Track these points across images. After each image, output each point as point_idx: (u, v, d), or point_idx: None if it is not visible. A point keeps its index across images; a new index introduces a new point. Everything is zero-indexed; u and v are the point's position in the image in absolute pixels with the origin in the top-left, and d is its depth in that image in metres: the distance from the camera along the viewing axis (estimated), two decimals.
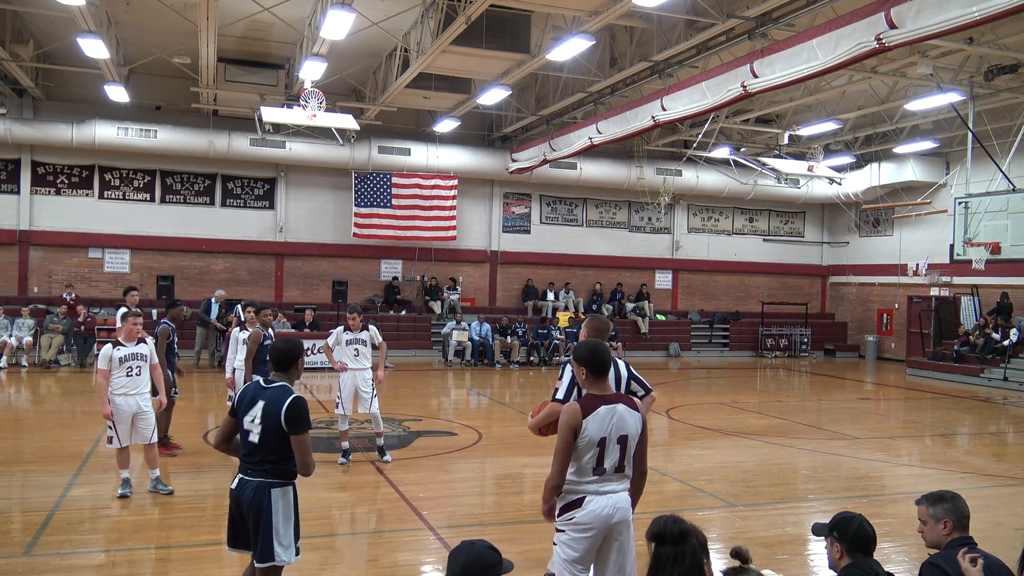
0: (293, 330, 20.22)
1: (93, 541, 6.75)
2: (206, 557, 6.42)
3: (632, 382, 5.52)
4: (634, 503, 4.37)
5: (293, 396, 4.46)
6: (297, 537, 4.59)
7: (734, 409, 15.22)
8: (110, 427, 7.96)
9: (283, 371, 4.62)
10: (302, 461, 4.45)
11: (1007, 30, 14.11)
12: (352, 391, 9.61)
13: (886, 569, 3.76)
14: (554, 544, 4.31)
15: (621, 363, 5.53)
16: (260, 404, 4.49)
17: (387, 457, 9.68)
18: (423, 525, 7.43)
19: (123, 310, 11.08)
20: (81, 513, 7.45)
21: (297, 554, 4.59)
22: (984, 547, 3.83)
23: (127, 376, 7.92)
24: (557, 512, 4.29)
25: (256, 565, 4.52)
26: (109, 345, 7.97)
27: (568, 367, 5.36)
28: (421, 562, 6.69)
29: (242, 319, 14.18)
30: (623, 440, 4.19)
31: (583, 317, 24.31)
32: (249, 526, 4.47)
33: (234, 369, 10.39)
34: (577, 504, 4.19)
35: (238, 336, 10.35)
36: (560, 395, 5.31)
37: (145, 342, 8.17)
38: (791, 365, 24.72)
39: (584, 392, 4.32)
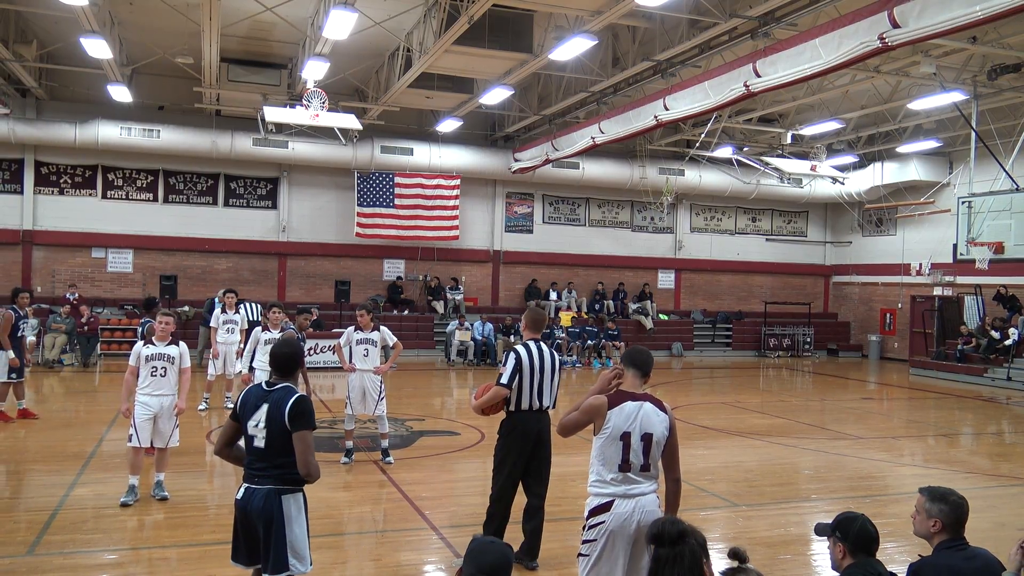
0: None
1: (96, 540, 6.76)
2: (209, 556, 6.42)
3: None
4: (673, 512, 4.32)
5: (298, 395, 4.38)
6: (309, 546, 4.46)
7: (737, 409, 15.21)
8: (132, 425, 7.79)
9: (288, 374, 4.53)
10: (303, 460, 4.24)
11: (1010, 29, 14.08)
12: (361, 392, 9.55)
13: (889, 569, 3.75)
14: (579, 555, 4.28)
15: (556, 354, 6.34)
16: (264, 408, 4.36)
17: (390, 459, 9.66)
18: (426, 525, 7.44)
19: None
20: (84, 512, 7.46)
21: (311, 564, 4.46)
22: (986, 547, 3.82)
23: (151, 376, 7.79)
24: (585, 515, 4.30)
25: None
26: (140, 342, 7.96)
27: (512, 354, 6.13)
28: (424, 561, 6.69)
29: (254, 319, 14.29)
30: (647, 438, 4.22)
31: (586, 317, 24.40)
32: (260, 537, 4.31)
33: (251, 368, 10.38)
34: (605, 508, 4.20)
35: (259, 336, 10.33)
36: (504, 380, 6.04)
37: (177, 344, 8.03)
38: (794, 365, 24.70)
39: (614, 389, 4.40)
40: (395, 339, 9.83)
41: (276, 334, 9.69)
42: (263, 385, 4.52)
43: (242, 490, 4.40)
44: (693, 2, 13.01)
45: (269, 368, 4.65)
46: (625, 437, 4.18)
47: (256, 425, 4.37)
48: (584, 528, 4.27)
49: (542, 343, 6.26)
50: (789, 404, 16.53)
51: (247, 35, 16.96)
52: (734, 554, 3.30)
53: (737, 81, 13.50)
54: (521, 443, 6.20)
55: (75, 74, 19.54)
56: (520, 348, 6.16)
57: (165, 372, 7.86)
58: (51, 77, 20.16)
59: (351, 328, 9.79)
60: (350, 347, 9.68)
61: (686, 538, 3.13)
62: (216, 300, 19.49)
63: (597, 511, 4.21)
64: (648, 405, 4.26)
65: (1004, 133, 19.13)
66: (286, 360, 4.52)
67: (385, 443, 9.74)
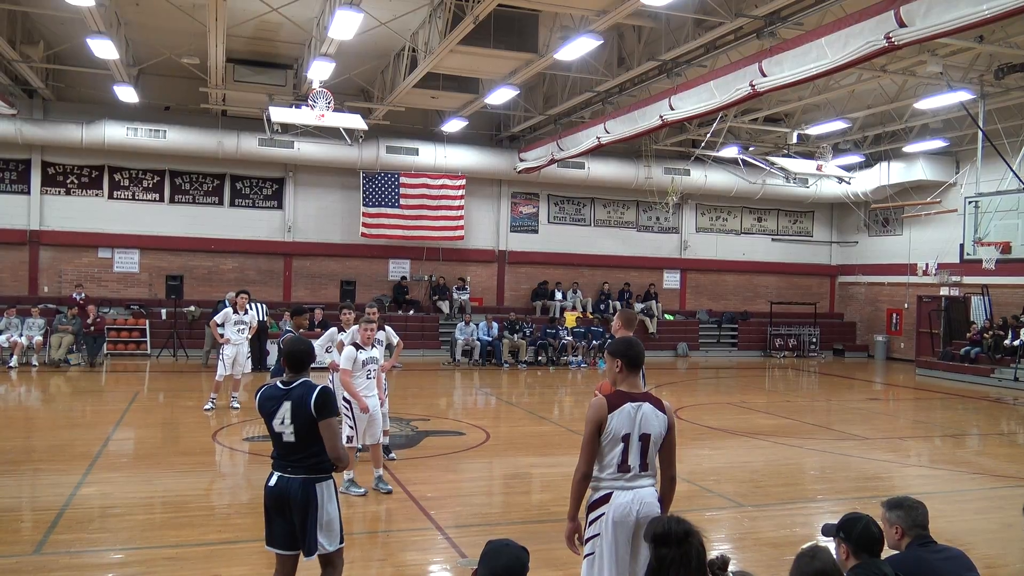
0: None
1: (103, 540, 6.78)
2: (216, 556, 6.44)
3: None
4: (665, 510, 4.31)
5: (320, 386, 4.64)
6: (341, 526, 4.75)
7: (742, 409, 15.18)
8: (351, 427, 8.15)
9: (301, 371, 4.75)
10: (332, 445, 4.58)
11: (1017, 28, 14.01)
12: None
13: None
14: (585, 556, 4.24)
15: None
16: (287, 404, 4.60)
17: (392, 455, 9.72)
18: (431, 524, 7.43)
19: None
20: (91, 512, 7.49)
21: (341, 541, 4.74)
22: (994, 548, 3.81)
23: (367, 379, 8.25)
24: (586, 512, 4.29)
25: (305, 558, 4.64)
26: (352, 348, 8.27)
27: None
28: (429, 561, 6.69)
29: (262, 319, 14.28)
30: (645, 439, 4.22)
31: (591, 317, 24.39)
32: (295, 522, 4.58)
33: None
34: (604, 500, 4.21)
35: (336, 338, 10.20)
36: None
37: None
38: (800, 365, 24.64)
39: (615, 388, 4.36)
40: (397, 338, 9.93)
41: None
42: (278, 384, 4.73)
43: (275, 477, 4.66)
44: (699, 2, 12.99)
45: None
46: (626, 439, 4.19)
47: (282, 422, 4.61)
48: (586, 525, 4.27)
49: None
50: (795, 404, 16.49)
51: (253, 35, 17.00)
52: (710, 564, 3.17)
53: (743, 81, 13.47)
54: None
55: (82, 75, 19.60)
56: None
57: (373, 375, 8.41)
58: (58, 78, 20.21)
59: (355, 328, 9.79)
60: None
61: (691, 538, 3.09)
62: (226, 301, 19.56)
63: (596, 504, 4.23)
64: (647, 406, 4.25)
65: (1011, 132, 19.03)
66: (300, 356, 4.78)
67: (386, 439, 9.80)
